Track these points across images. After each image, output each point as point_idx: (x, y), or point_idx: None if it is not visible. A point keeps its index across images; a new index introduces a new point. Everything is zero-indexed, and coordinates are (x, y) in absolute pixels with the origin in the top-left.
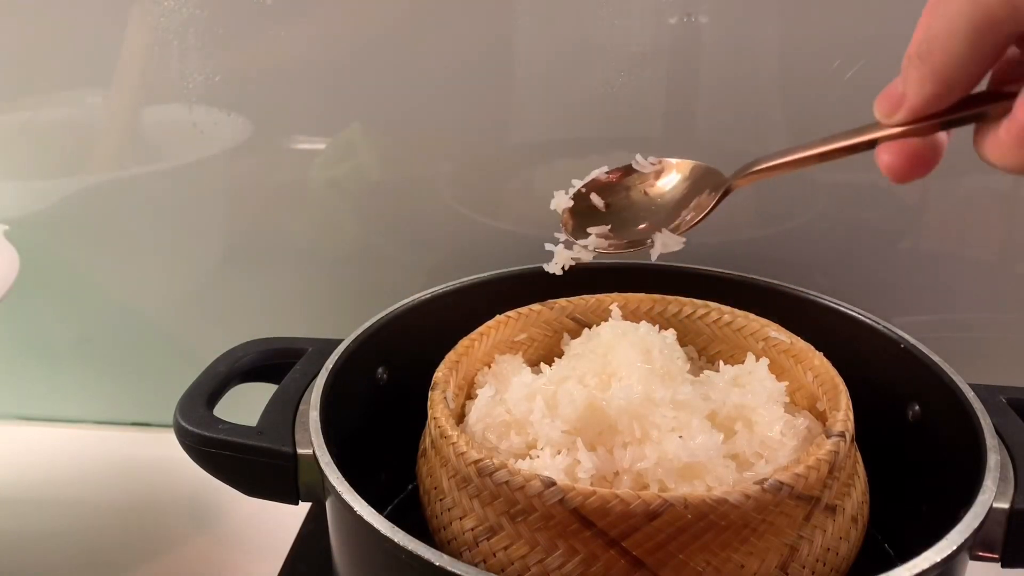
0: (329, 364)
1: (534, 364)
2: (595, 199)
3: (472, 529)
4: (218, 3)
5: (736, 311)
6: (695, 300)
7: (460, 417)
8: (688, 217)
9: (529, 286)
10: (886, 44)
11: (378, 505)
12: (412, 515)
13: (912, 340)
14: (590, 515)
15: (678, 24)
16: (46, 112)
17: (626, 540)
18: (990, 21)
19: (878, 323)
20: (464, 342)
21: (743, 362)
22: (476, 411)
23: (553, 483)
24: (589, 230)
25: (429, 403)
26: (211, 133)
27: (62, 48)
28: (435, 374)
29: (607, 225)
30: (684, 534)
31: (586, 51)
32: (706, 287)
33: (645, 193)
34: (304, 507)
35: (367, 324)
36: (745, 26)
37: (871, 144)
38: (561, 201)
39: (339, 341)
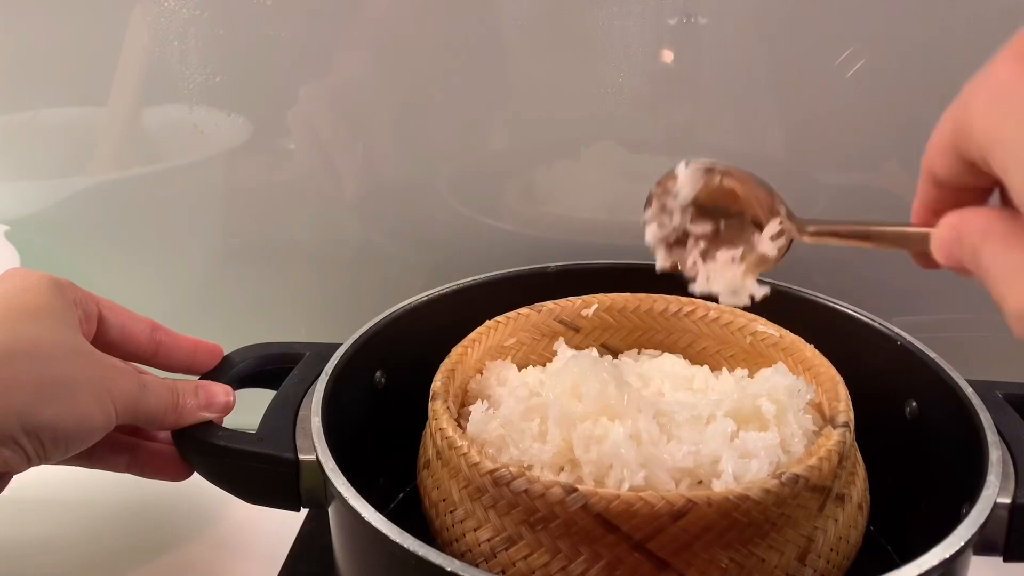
0: (328, 369)
1: (524, 367)
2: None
3: (489, 540)
4: (218, 3)
5: (722, 307)
6: (680, 297)
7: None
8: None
9: (529, 287)
10: (886, 44)
11: (376, 510)
12: (410, 520)
13: (908, 337)
14: (614, 519)
15: (678, 24)
16: (46, 112)
17: (651, 542)
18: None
19: (873, 320)
20: (458, 349)
21: (731, 357)
22: (472, 426)
23: (575, 489)
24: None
25: (431, 414)
26: (211, 133)
27: (62, 48)
28: (433, 384)
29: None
30: (708, 532)
31: (586, 51)
32: None
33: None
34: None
35: (365, 327)
36: (745, 26)
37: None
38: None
39: (336, 345)
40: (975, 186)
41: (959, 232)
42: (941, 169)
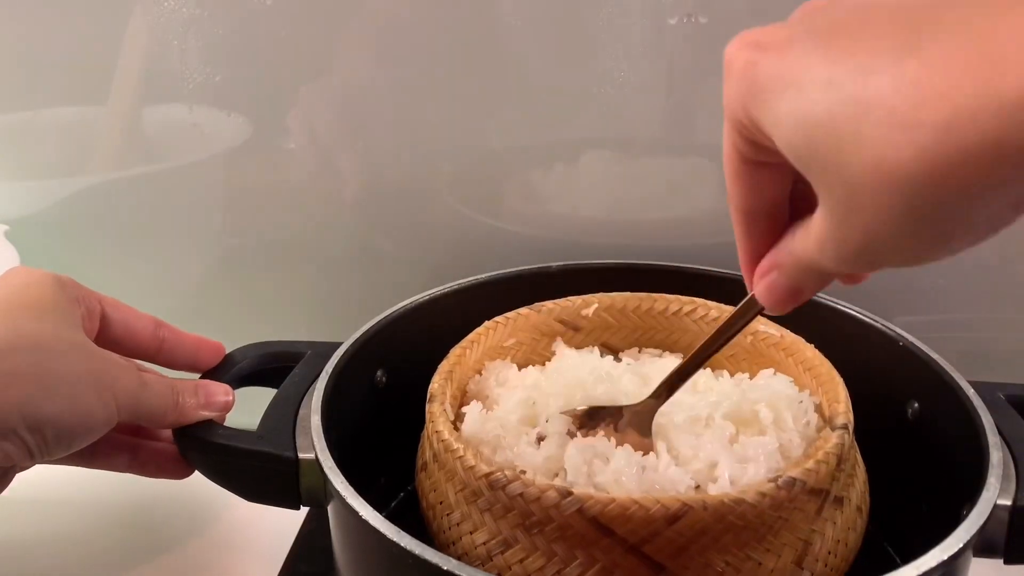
0: (329, 367)
1: (524, 366)
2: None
3: (484, 543)
4: (218, 3)
5: (723, 306)
6: (681, 297)
7: (455, 428)
8: None
9: (529, 287)
10: None
11: (376, 509)
12: (409, 520)
13: (910, 338)
14: (609, 523)
15: (678, 24)
16: (46, 112)
17: (646, 546)
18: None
19: (876, 321)
20: (456, 350)
21: (731, 357)
22: (468, 427)
23: (570, 492)
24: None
25: (428, 416)
26: (211, 133)
27: (62, 48)
28: (431, 385)
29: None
30: (704, 536)
31: (586, 51)
32: (703, 286)
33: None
34: (304, 508)
35: (367, 327)
36: (745, 26)
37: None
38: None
39: (337, 344)
40: (780, 196)
41: (777, 262)
42: (745, 191)
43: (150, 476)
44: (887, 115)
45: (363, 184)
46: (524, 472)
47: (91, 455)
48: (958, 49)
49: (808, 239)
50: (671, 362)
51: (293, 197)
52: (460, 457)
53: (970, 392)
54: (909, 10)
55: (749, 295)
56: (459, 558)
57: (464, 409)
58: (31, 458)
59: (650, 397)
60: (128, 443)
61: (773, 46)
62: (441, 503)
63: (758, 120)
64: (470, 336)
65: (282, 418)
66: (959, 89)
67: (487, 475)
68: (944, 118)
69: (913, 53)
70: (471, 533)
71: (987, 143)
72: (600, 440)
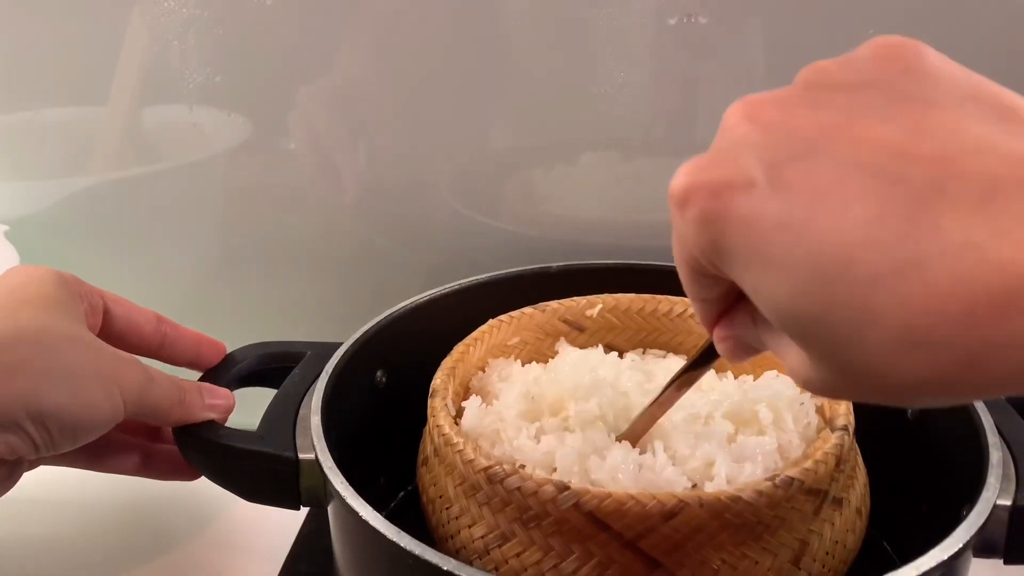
0: (329, 367)
1: (527, 363)
2: None
3: (482, 537)
4: (218, 3)
5: None
6: (684, 299)
7: (456, 423)
8: None
9: (529, 287)
10: None
11: (376, 509)
12: (409, 519)
13: None
14: (605, 518)
15: (678, 24)
16: (46, 112)
17: (642, 541)
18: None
19: None
20: (459, 348)
21: None
22: (467, 421)
23: (567, 487)
24: None
25: (430, 411)
26: (211, 133)
27: (62, 48)
28: (433, 381)
29: None
30: (700, 533)
31: (586, 51)
32: None
33: None
34: (304, 508)
35: (367, 327)
36: (745, 26)
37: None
38: None
39: (338, 344)
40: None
41: (733, 335)
42: (699, 288)
43: (159, 479)
44: (900, 334)
45: (363, 184)
46: (523, 466)
47: (100, 457)
48: (967, 277)
49: (784, 358)
50: (675, 363)
51: (293, 197)
52: (460, 451)
53: None
54: (891, 187)
55: (708, 341)
56: (457, 551)
57: (464, 404)
58: (36, 451)
59: (624, 436)
60: (138, 445)
61: (730, 194)
62: (441, 497)
63: (727, 273)
64: (474, 334)
65: (282, 418)
66: (979, 322)
67: (485, 469)
68: (968, 345)
69: (911, 269)
70: (469, 527)
71: (1014, 372)
72: (598, 435)
